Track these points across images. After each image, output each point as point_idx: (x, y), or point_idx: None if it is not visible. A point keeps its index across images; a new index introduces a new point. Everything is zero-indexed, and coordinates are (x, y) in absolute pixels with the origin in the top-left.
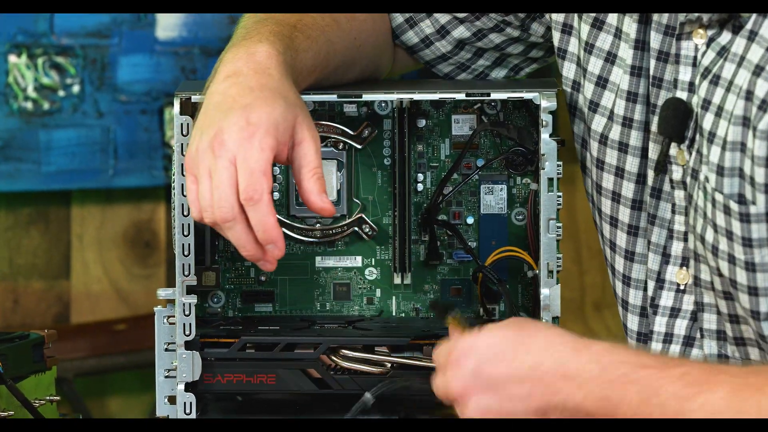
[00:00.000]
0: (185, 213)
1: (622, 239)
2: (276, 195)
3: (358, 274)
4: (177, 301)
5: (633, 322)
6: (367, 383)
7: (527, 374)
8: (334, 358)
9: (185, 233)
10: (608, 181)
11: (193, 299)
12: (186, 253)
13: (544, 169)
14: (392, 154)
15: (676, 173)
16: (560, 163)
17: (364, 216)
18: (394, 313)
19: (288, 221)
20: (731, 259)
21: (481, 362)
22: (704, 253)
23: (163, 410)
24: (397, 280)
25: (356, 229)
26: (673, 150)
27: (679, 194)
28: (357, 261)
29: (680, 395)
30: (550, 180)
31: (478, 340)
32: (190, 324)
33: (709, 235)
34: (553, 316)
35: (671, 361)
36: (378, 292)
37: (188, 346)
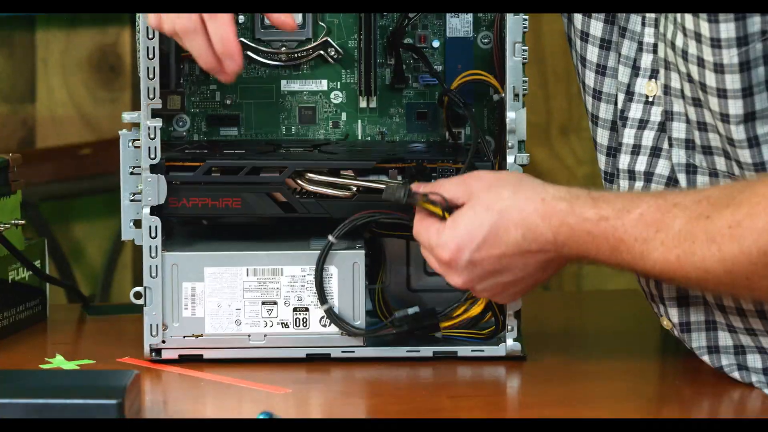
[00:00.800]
0: (150, 36)
1: (593, 53)
2: (241, 18)
3: (324, 98)
4: (142, 124)
5: (603, 136)
6: (333, 207)
7: (518, 248)
8: (300, 182)
9: (150, 56)
10: None
11: (158, 122)
12: (151, 76)
13: None
14: None
15: None
16: None
17: (329, 39)
18: (359, 137)
19: (253, 44)
20: (700, 62)
21: (473, 255)
22: (674, 59)
23: (128, 234)
24: (363, 104)
25: (321, 52)
26: None
27: None
28: (322, 84)
29: (641, 237)
30: None
31: (460, 234)
32: (156, 147)
33: (679, 40)
34: (519, 139)
35: (627, 204)
36: (343, 116)
37: (153, 169)
